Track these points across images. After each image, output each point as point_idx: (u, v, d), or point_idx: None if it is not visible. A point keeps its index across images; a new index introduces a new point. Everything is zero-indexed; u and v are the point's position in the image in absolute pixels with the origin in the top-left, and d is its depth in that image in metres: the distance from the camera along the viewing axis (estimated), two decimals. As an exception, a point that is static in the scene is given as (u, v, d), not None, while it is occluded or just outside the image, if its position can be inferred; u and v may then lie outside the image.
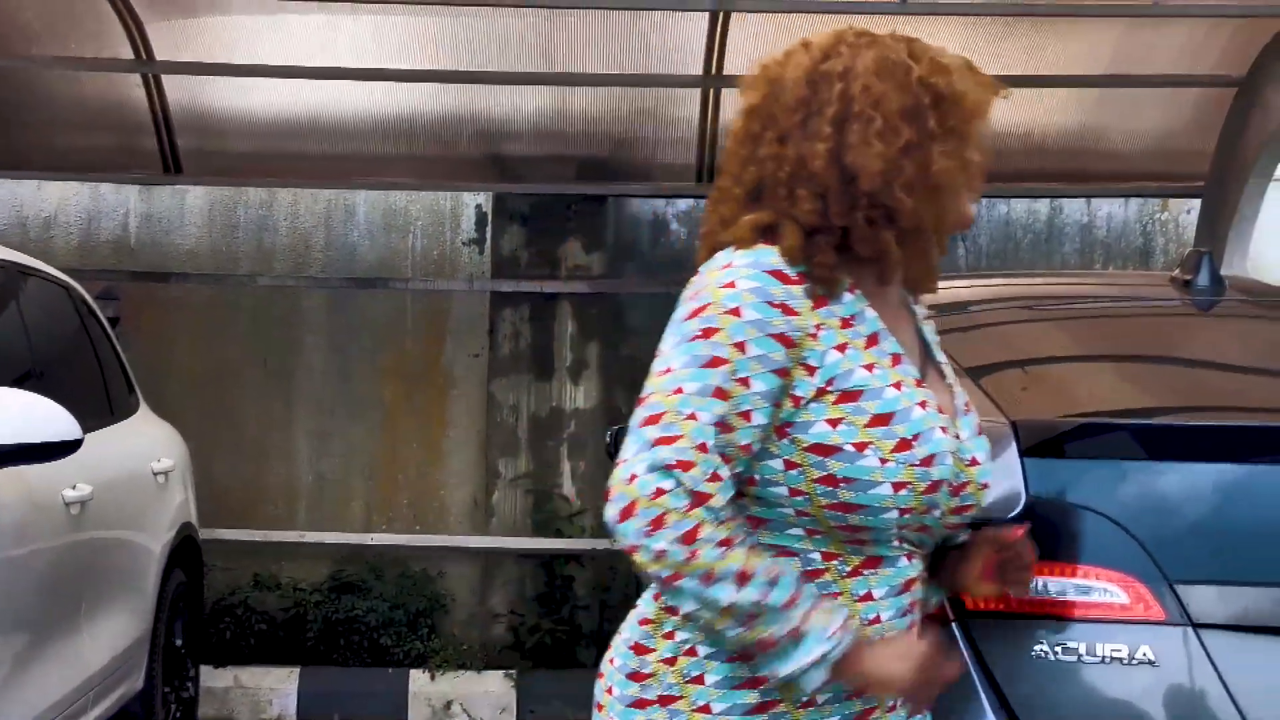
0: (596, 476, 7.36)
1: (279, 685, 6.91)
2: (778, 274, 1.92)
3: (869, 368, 1.95)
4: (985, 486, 2.07)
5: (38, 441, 3.84)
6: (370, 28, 6.88)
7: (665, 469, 1.85)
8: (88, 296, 5.72)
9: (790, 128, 2.00)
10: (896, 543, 2.00)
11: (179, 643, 5.83)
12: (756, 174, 2.01)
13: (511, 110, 7.38)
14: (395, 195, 7.73)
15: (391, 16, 6.76)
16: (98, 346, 5.63)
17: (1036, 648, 2.37)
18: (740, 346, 1.89)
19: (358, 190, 7.71)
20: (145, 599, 5.35)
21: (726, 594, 1.86)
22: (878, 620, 2.00)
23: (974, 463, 2.05)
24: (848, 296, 1.99)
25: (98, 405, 5.26)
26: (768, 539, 1.98)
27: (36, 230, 7.67)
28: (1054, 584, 2.49)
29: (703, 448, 1.86)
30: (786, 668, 1.91)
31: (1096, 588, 2.47)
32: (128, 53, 6.98)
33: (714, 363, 1.89)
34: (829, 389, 1.93)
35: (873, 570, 1.99)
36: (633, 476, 1.85)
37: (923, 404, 1.98)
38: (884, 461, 1.92)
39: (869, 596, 1.99)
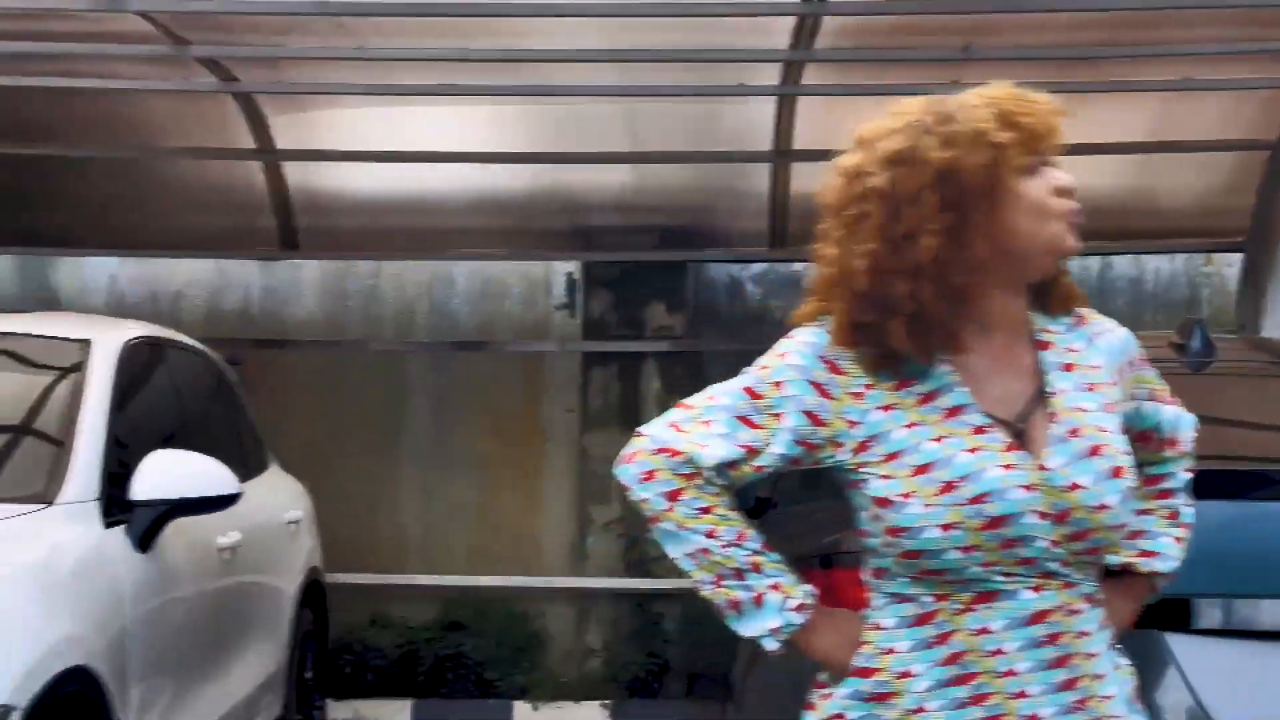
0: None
1: (394, 716, 7.32)
2: None
3: (911, 426, 2.06)
4: (1103, 508, 2.04)
5: (206, 495, 4.36)
6: (467, 114, 7.32)
7: (666, 451, 2.11)
8: (224, 365, 6.20)
9: (828, 231, 2.14)
10: (1002, 577, 2.03)
11: (309, 675, 6.26)
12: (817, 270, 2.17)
13: (597, 186, 7.78)
14: (492, 265, 8.08)
15: (486, 105, 7.22)
16: (234, 409, 6.11)
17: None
18: (778, 385, 2.10)
19: (458, 261, 8.08)
20: (281, 635, 5.79)
21: (692, 543, 2.11)
22: (1000, 653, 2.04)
23: (1075, 487, 2.04)
24: (937, 369, 2.09)
25: (238, 462, 5.76)
26: (889, 588, 2.11)
27: (167, 302, 8.14)
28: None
29: (701, 447, 2.10)
30: (747, 630, 2.14)
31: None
32: (249, 141, 7.50)
33: (751, 393, 2.11)
34: (871, 444, 2.07)
35: (986, 605, 2.04)
36: (641, 434, 2.15)
37: (974, 449, 2.03)
38: (928, 507, 2.01)
39: (986, 630, 2.04)
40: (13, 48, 6.40)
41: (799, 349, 2.13)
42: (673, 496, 2.11)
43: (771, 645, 2.14)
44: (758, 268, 8.11)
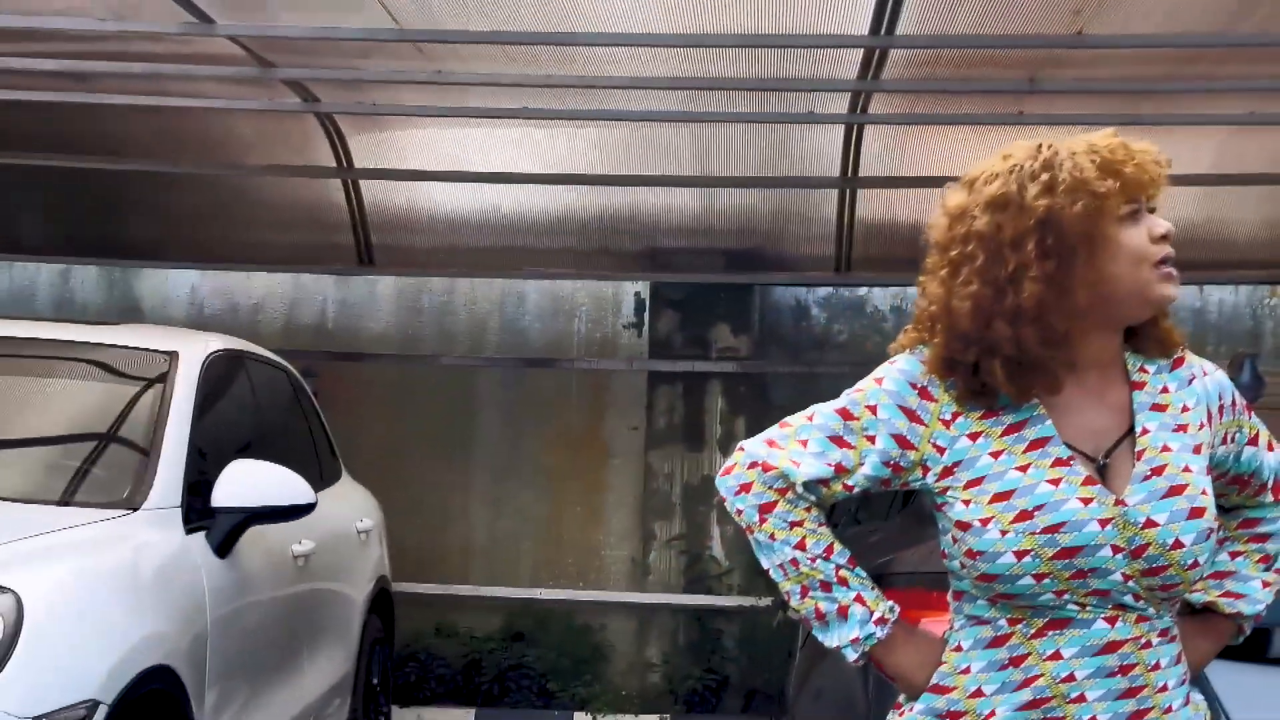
0: (743, 540, 7.77)
1: (457, 724, 7.44)
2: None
3: (995, 454, 2.13)
4: (1178, 546, 2.07)
5: (283, 504, 4.48)
6: (540, 137, 7.47)
7: (761, 466, 2.21)
8: (300, 377, 6.33)
9: (932, 268, 2.21)
10: (1075, 606, 2.08)
11: (375, 681, 6.35)
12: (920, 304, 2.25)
13: (666, 208, 7.92)
14: (562, 284, 8.24)
15: (559, 128, 7.37)
16: (310, 420, 6.24)
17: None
18: (872, 409, 2.18)
19: (528, 280, 8.23)
20: (350, 642, 5.90)
21: (782, 555, 2.19)
22: (1071, 679, 2.09)
23: (1150, 524, 2.07)
24: (1025, 404, 2.14)
25: (313, 472, 5.72)
26: (967, 610, 2.18)
27: (245, 315, 8.37)
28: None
29: (795, 464, 2.20)
30: (830, 640, 2.21)
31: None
32: (329, 160, 7.70)
33: (845, 415, 2.20)
34: (956, 469, 2.14)
35: (1058, 631, 2.09)
36: (741, 449, 2.26)
37: (1054, 481, 2.09)
38: (1004, 533, 2.07)
39: (1057, 655, 2.09)
40: (108, 67, 6.63)
41: (894, 375, 2.20)
42: (765, 509, 2.20)
43: (852, 656, 2.20)
44: (823, 291, 8.20)
